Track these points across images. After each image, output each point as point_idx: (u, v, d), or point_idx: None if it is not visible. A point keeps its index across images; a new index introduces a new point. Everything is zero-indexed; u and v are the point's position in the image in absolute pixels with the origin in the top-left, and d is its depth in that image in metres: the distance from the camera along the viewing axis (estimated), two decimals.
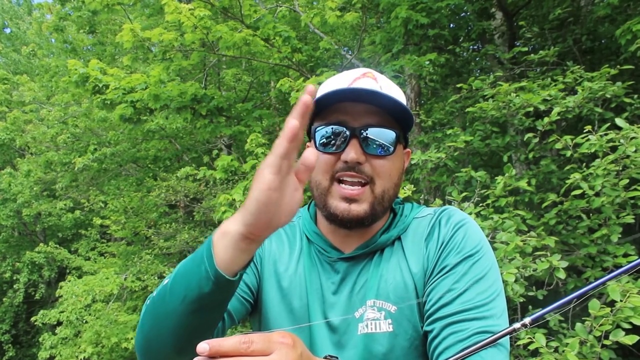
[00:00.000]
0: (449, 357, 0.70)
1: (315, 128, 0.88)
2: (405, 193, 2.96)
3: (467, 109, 3.71)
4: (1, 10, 15.59)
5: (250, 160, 4.52)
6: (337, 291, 0.89)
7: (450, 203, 3.00)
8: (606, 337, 1.96)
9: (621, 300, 1.95)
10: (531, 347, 2.09)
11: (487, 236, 1.80)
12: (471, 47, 5.58)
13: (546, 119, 2.99)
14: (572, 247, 2.82)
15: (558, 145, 2.89)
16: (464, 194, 3.01)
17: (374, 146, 0.85)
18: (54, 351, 7.42)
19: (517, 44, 4.96)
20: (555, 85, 3.30)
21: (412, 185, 3.04)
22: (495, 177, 2.96)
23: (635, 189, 2.44)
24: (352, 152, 0.82)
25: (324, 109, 0.87)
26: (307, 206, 1.03)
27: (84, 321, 7.02)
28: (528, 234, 2.50)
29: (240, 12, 5.32)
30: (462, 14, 5.42)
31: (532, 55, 3.95)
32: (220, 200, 4.54)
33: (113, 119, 6.99)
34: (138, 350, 0.79)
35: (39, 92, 10.75)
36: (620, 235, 2.52)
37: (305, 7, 6.29)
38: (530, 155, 3.34)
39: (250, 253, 0.68)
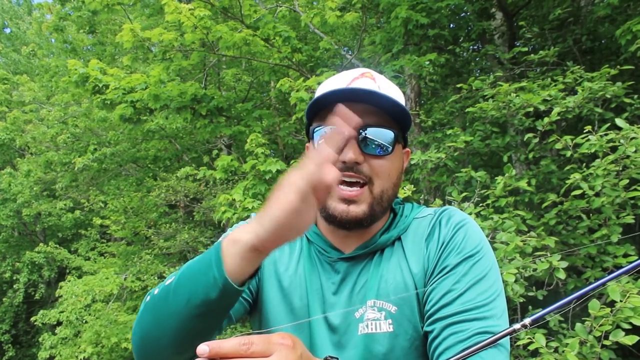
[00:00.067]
0: (450, 358, 0.70)
1: (314, 128, 0.88)
2: (405, 193, 2.96)
3: (467, 109, 3.71)
4: (1, 10, 15.59)
5: (250, 160, 4.52)
6: (338, 291, 0.89)
7: (450, 203, 3.00)
8: (606, 338, 1.96)
9: (621, 301, 1.95)
10: (531, 348, 2.09)
11: (487, 236, 1.80)
12: (471, 47, 5.58)
13: (546, 119, 2.99)
14: (572, 247, 2.82)
15: (558, 146, 2.89)
16: (464, 194, 3.01)
17: (373, 146, 0.85)
18: (53, 351, 7.42)
19: (517, 44, 4.96)
20: (555, 85, 3.30)
21: (412, 185, 3.04)
22: (495, 177, 2.96)
23: (635, 189, 2.44)
24: (350, 153, 0.82)
25: (322, 109, 0.87)
26: None
27: (84, 321, 7.02)
28: (528, 234, 2.50)
29: (240, 12, 5.32)
30: (462, 14, 5.42)
31: (532, 55, 3.95)
32: (220, 200, 4.54)
33: (113, 119, 7.00)
34: (135, 345, 0.79)
35: (39, 92, 10.75)
36: (620, 236, 2.52)
37: (305, 7, 6.29)
38: (530, 156, 3.34)
39: (257, 264, 0.67)
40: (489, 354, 0.71)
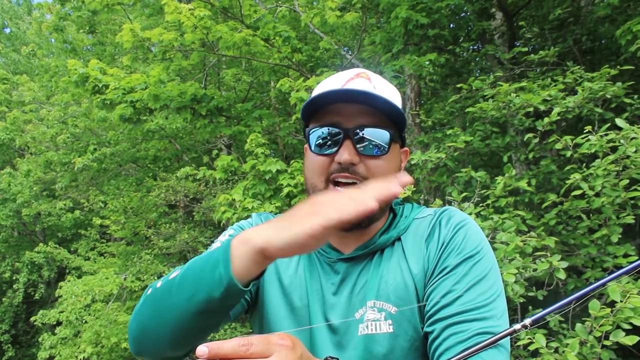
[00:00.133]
0: (450, 358, 0.70)
1: (310, 130, 0.88)
2: (405, 193, 2.96)
3: (467, 109, 3.71)
4: (1, 10, 15.58)
5: (250, 160, 4.52)
6: (337, 292, 0.89)
7: (450, 203, 3.00)
8: (606, 338, 1.96)
9: (621, 301, 1.95)
10: (531, 348, 2.09)
11: (487, 236, 1.79)
12: (471, 47, 5.58)
13: (546, 119, 2.99)
14: (572, 247, 2.82)
15: (558, 146, 2.89)
16: (464, 194, 3.01)
17: (369, 146, 0.84)
18: (53, 351, 7.41)
19: (517, 44, 4.96)
20: (555, 85, 3.30)
21: (412, 186, 3.04)
22: (495, 178, 2.96)
23: (636, 190, 2.44)
24: (345, 153, 0.82)
25: (318, 110, 0.87)
26: None
27: (84, 321, 7.01)
28: (528, 235, 2.50)
29: (240, 12, 5.31)
30: (462, 14, 5.42)
31: (532, 55, 3.95)
32: (220, 200, 4.54)
33: (113, 119, 6.99)
34: (131, 336, 0.78)
35: (39, 92, 10.75)
36: (620, 236, 2.52)
37: (305, 7, 6.29)
38: (530, 156, 3.33)
39: (263, 266, 0.66)
40: (489, 355, 0.70)
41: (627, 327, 1.93)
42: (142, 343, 0.77)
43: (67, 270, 9.43)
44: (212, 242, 0.95)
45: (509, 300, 2.29)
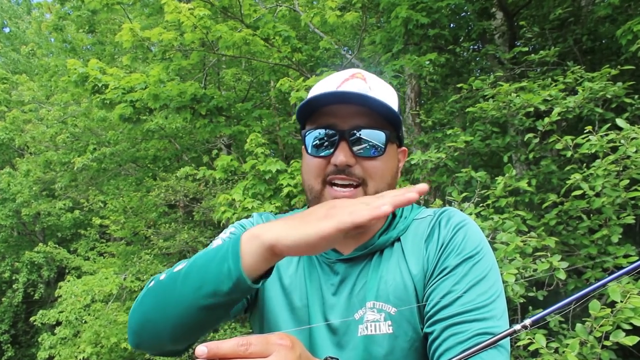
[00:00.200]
0: (450, 359, 0.69)
1: (306, 132, 0.88)
2: None
3: (467, 109, 3.71)
4: (0, 9, 15.58)
5: (250, 160, 4.52)
6: (337, 292, 0.89)
7: (450, 203, 3.00)
8: (606, 338, 1.96)
9: (621, 301, 1.95)
10: (531, 348, 2.08)
11: (487, 237, 1.79)
12: (471, 47, 5.58)
13: (546, 119, 2.99)
14: (573, 247, 2.82)
15: (558, 146, 2.89)
16: (464, 194, 3.01)
17: (365, 148, 0.84)
18: (53, 351, 7.42)
19: (518, 44, 4.96)
20: (555, 85, 3.30)
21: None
22: (496, 178, 2.96)
23: (636, 190, 2.44)
24: (341, 155, 0.82)
25: (313, 112, 0.87)
26: (305, 208, 1.02)
27: (83, 321, 7.02)
28: (528, 235, 2.50)
29: (240, 12, 5.31)
30: (463, 14, 5.42)
31: (532, 55, 3.95)
32: (219, 200, 4.54)
33: (112, 118, 7.00)
34: (131, 329, 0.78)
35: (38, 91, 10.74)
36: (620, 236, 2.52)
37: (305, 6, 6.29)
38: (531, 156, 3.33)
39: (272, 263, 0.66)
40: (489, 355, 0.70)
41: (627, 327, 1.92)
42: (142, 336, 0.77)
43: (67, 270, 9.43)
44: (212, 242, 0.94)
45: (509, 301, 2.28)
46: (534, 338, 2.08)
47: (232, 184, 5.99)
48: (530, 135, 3.10)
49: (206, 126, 5.56)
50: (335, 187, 0.84)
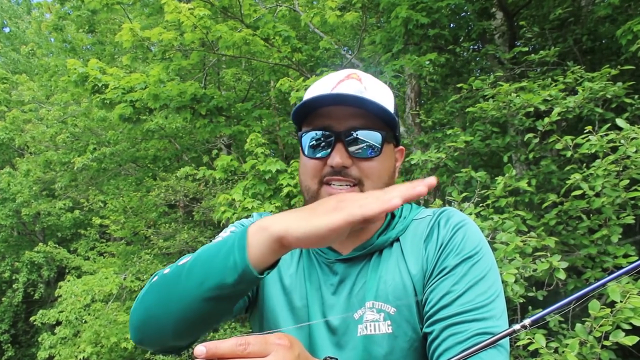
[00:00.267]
0: (449, 359, 0.69)
1: (302, 134, 0.88)
2: None
3: (467, 109, 3.71)
4: (0, 9, 15.58)
5: (250, 160, 4.52)
6: (336, 292, 0.89)
7: (450, 203, 3.00)
8: (606, 338, 1.95)
9: (621, 301, 1.95)
10: (531, 348, 2.08)
11: (487, 237, 1.79)
12: (471, 47, 5.58)
13: (546, 119, 2.99)
14: (572, 247, 2.82)
15: (558, 146, 2.89)
16: (464, 194, 3.01)
17: (361, 148, 0.84)
18: (53, 351, 7.41)
19: (518, 43, 4.96)
20: (555, 85, 3.30)
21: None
22: (496, 178, 2.96)
23: (636, 190, 2.44)
24: (337, 157, 0.82)
25: (309, 113, 0.87)
26: None
27: (83, 321, 7.02)
28: (528, 235, 2.50)
29: (240, 12, 5.31)
30: (463, 14, 5.42)
31: (532, 55, 3.95)
32: (219, 200, 4.54)
33: (112, 118, 7.00)
34: (133, 325, 0.77)
35: (38, 91, 10.75)
36: (620, 236, 2.52)
37: (305, 6, 6.29)
38: (531, 156, 3.33)
39: (279, 255, 0.66)
40: (488, 355, 0.70)
41: (627, 327, 1.92)
42: (144, 331, 0.76)
43: (67, 270, 9.43)
44: (213, 241, 0.94)
45: (508, 301, 2.28)
46: (533, 338, 2.08)
47: (232, 184, 5.99)
48: (530, 135, 3.10)
49: (206, 126, 5.56)
50: (332, 185, 0.84)
